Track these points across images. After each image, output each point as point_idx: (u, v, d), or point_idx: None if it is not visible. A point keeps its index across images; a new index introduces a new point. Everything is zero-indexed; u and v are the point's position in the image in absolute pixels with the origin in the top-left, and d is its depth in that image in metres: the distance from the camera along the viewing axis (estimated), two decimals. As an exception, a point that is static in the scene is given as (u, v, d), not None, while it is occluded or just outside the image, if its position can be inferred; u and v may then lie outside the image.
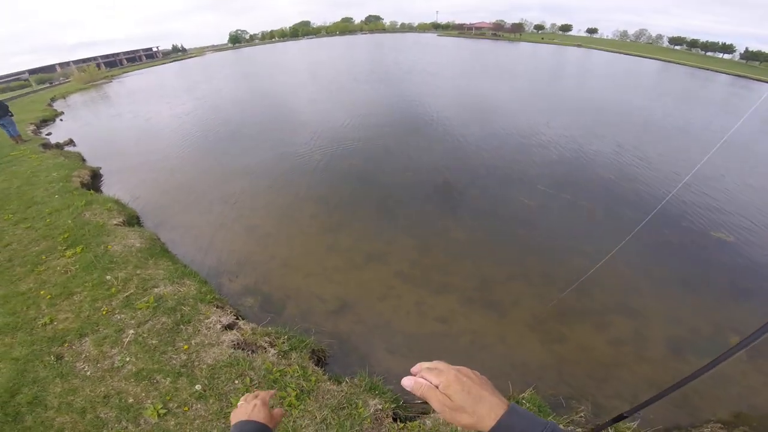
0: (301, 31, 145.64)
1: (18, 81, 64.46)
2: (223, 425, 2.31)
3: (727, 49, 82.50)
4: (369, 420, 2.31)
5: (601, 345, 3.34)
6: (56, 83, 53.36)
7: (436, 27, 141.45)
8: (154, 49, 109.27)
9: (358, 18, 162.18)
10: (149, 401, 2.48)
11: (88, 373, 2.74)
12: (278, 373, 2.60)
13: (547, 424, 0.48)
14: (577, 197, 5.81)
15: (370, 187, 6.34)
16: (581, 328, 3.50)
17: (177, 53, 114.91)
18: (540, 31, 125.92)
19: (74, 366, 2.81)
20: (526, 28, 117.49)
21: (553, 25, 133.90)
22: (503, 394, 0.52)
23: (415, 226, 5.10)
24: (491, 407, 0.49)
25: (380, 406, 2.41)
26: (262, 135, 10.03)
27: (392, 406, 2.46)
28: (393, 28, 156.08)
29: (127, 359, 2.80)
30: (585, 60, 36.15)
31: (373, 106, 12.12)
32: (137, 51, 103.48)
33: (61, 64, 79.15)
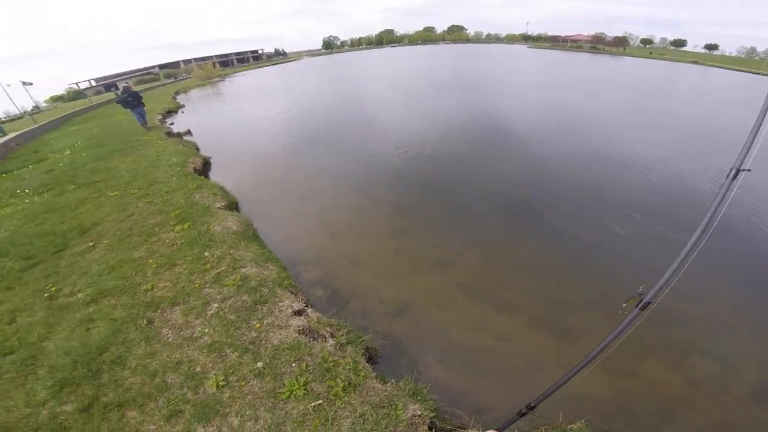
0: (386, 39, 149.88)
1: (150, 74, 76.59)
2: (270, 404, 2.45)
3: None
4: (405, 423, 2.35)
5: (674, 383, 3.07)
6: (180, 78, 62.27)
7: (525, 38, 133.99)
8: (260, 52, 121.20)
9: (440, 27, 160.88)
10: (213, 372, 2.69)
11: (170, 339, 3.04)
12: (332, 363, 2.74)
13: None
14: (677, 232, 5.18)
15: (444, 195, 6.41)
16: (655, 365, 3.23)
17: (278, 56, 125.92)
18: (648, 46, 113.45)
19: (160, 331, 3.14)
20: (631, 42, 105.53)
21: (663, 39, 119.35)
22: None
23: (486, 240, 5.05)
24: None
25: (419, 413, 2.44)
26: (345, 138, 10.69)
27: (431, 414, 2.48)
28: (478, 39, 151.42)
29: (206, 331, 3.10)
30: (703, 78, 31.68)
31: (453, 115, 12.14)
32: (245, 53, 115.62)
33: (184, 61, 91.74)
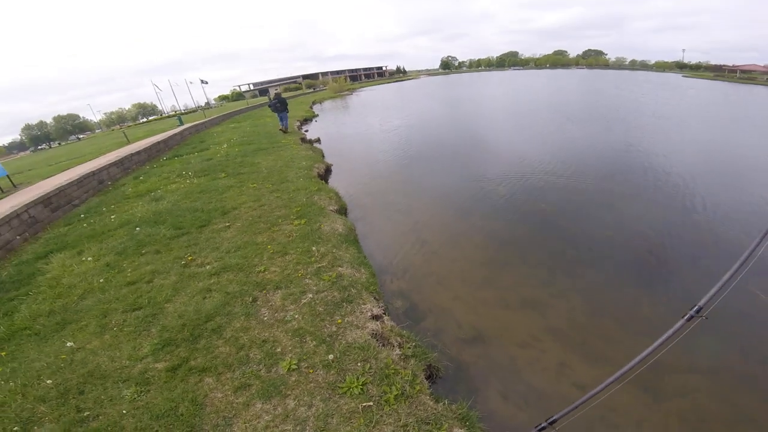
0: (508, 61, 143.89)
1: (295, 83, 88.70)
2: (327, 395, 2.56)
3: None
4: (444, 445, 2.30)
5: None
6: (318, 89, 70.62)
7: (681, 67, 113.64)
8: (384, 68, 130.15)
9: (574, 52, 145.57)
10: (290, 355, 2.89)
11: (265, 318, 3.33)
12: (393, 371, 2.78)
13: None
14: None
15: (551, 234, 5.93)
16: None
17: (399, 74, 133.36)
18: None
19: (259, 310, 3.45)
20: None
21: None
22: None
23: (592, 289, 4.51)
24: None
25: (462, 437, 2.37)
26: (454, 159, 10.80)
27: (475, 443, 2.37)
28: (619, 64, 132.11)
29: (296, 317, 3.33)
30: None
31: (579, 149, 11.15)
32: (371, 69, 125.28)
33: (322, 74, 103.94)
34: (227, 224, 5.53)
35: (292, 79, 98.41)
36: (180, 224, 5.71)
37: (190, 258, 4.55)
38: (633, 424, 2.88)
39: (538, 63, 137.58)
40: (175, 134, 16.57)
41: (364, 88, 66.52)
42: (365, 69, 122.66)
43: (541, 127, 15.01)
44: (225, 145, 13.03)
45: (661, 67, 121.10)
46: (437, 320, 4.07)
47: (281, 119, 15.16)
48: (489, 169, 9.24)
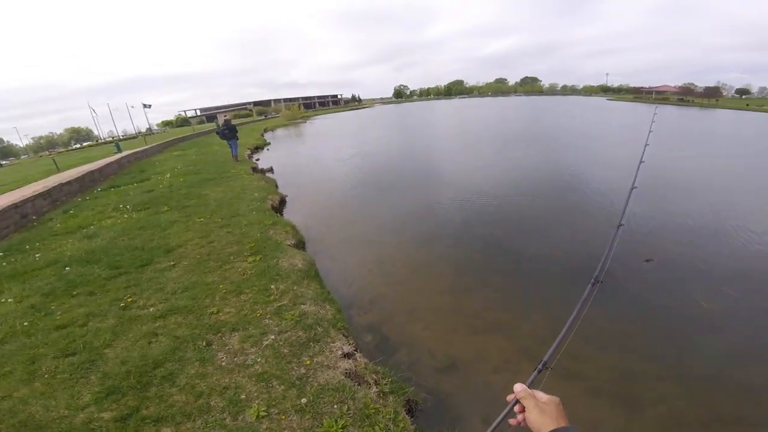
0: (455, 89, 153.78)
1: (245, 110, 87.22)
2: None
3: None
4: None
5: None
6: (269, 116, 69.86)
7: (605, 90, 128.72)
8: (339, 97, 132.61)
9: (513, 79, 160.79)
10: (257, 402, 2.72)
11: (223, 364, 3.13)
12: (373, 410, 2.68)
13: None
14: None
15: (509, 257, 6.11)
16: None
17: (354, 102, 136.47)
18: (744, 96, 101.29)
19: (216, 354, 3.24)
20: (725, 93, 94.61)
21: (763, 89, 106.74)
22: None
23: (554, 308, 4.63)
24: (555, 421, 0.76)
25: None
26: (408, 186, 10.89)
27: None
28: (552, 90, 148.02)
29: (258, 360, 3.14)
30: None
31: (525, 173, 11.80)
32: (326, 96, 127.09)
33: (274, 101, 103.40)
34: (172, 263, 5.14)
35: (243, 106, 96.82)
36: (117, 263, 5.24)
37: (129, 300, 4.22)
38: None
39: (482, 91, 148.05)
40: (112, 162, 15.24)
41: (319, 116, 66.91)
42: (320, 97, 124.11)
43: (486, 152, 15.89)
44: (168, 175, 12.19)
45: (589, 91, 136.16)
46: (410, 352, 3.96)
47: (231, 147, 14.65)
48: (444, 198, 9.41)
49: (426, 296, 5.06)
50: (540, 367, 1.30)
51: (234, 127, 14.59)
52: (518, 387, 0.87)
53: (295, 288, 4.35)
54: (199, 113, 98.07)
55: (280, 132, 34.75)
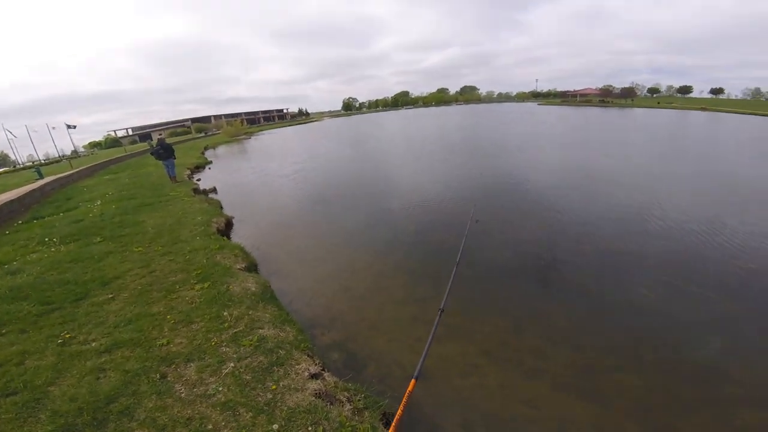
0: (401, 101, 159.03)
1: (183, 127, 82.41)
2: None
3: None
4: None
5: None
6: (210, 133, 66.67)
7: (535, 95, 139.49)
8: (285, 111, 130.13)
9: (453, 88, 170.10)
10: (225, 430, 2.65)
11: (182, 395, 3.00)
12: (350, 428, 2.67)
13: None
14: (703, 289, 5.11)
15: (460, 261, 6.31)
16: (698, 419, 3.18)
17: (301, 116, 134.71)
18: (655, 95, 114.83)
19: (173, 386, 3.13)
20: (639, 92, 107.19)
21: (670, 87, 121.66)
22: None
23: (508, 306, 4.97)
24: None
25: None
26: (359, 199, 10.90)
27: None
28: (489, 98, 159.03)
29: (220, 389, 3.05)
30: (713, 124, 32.30)
31: (467, 179, 12.39)
32: (271, 111, 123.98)
33: (215, 117, 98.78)
34: (110, 296, 4.82)
35: (180, 123, 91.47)
36: (48, 299, 4.83)
37: (67, 335, 3.96)
38: None
39: (426, 101, 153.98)
40: (34, 190, 13.69)
41: (264, 132, 65.20)
42: (264, 112, 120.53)
43: (433, 160, 16.44)
44: (99, 202, 11.21)
45: (521, 97, 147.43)
46: (379, 366, 3.99)
47: (167, 168, 13.81)
48: (397, 209, 9.53)
49: (387, 308, 5.11)
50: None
51: (169, 146, 13.80)
52: None
53: (250, 313, 4.24)
54: (131, 133, 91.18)
55: (222, 149, 33.36)
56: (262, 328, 3.93)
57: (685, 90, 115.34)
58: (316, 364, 3.52)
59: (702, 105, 61.56)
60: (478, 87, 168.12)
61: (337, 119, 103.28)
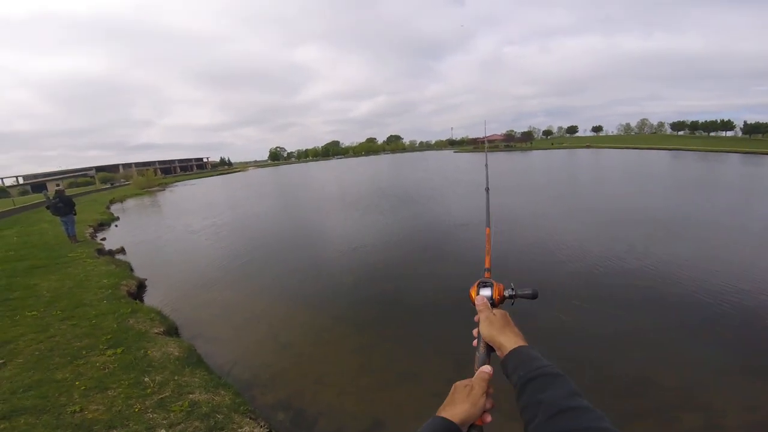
0: (332, 150, 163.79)
1: (85, 177, 73.63)
2: None
3: (727, 126, 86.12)
4: None
5: None
6: (117, 184, 60.69)
7: (452, 143, 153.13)
8: (205, 160, 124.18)
9: (381, 137, 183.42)
10: None
11: None
12: None
13: (546, 366, 0.73)
14: (617, 310, 5.76)
15: (398, 308, 6.47)
16: (644, 429, 3.45)
17: (224, 166, 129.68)
18: (549, 137, 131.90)
19: None
20: (535, 135, 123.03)
21: (560, 128, 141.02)
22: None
23: (447, 346, 5.04)
24: (513, 340, 0.82)
25: None
26: (291, 253, 10.55)
27: None
28: (413, 147, 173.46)
29: None
30: (596, 161, 38.09)
31: (398, 228, 12.68)
32: (189, 160, 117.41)
33: (123, 165, 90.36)
34: (1, 361, 4.42)
35: (82, 171, 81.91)
36: None
37: None
38: None
39: (356, 151, 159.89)
40: None
41: (180, 183, 61.31)
42: (182, 160, 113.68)
43: (366, 214, 16.03)
44: (-24, 265, 9.91)
45: (440, 145, 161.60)
46: (332, 420, 3.84)
47: (66, 225, 12.19)
48: (329, 261, 9.45)
49: (331, 360, 4.99)
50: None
51: (69, 200, 12.11)
52: (479, 299, 0.95)
53: (176, 378, 4.00)
54: (22, 182, 78.94)
55: (131, 203, 30.39)
56: (192, 393, 3.69)
57: (572, 130, 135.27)
58: (261, 426, 3.36)
59: (587, 143, 73.88)
60: (402, 136, 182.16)
61: (264, 170, 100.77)
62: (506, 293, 0.98)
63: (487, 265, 1.17)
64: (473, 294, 0.99)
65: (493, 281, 1.00)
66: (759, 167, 28.47)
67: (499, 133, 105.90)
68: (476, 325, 0.92)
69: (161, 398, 3.61)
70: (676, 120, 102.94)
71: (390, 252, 9.84)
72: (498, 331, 0.85)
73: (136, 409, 3.46)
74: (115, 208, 25.58)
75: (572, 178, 25.99)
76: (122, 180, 66.31)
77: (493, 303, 0.96)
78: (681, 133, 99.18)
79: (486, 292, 0.97)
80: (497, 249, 9.32)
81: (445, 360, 4.80)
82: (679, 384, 4.04)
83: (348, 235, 12.57)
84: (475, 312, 0.95)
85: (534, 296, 0.96)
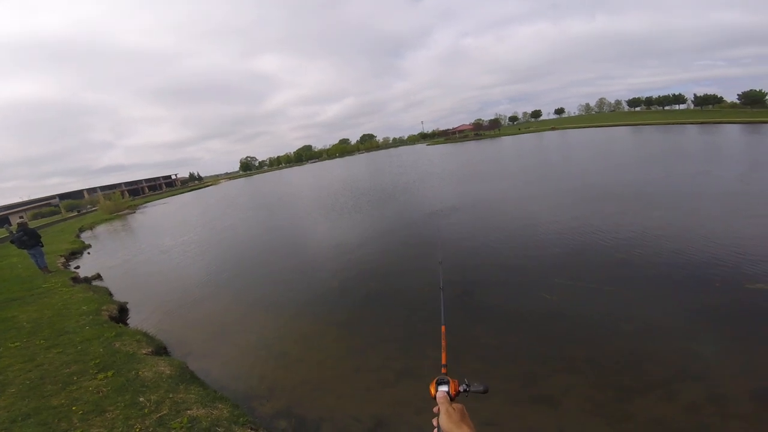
0: (305, 155, 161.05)
1: (49, 207, 69.86)
2: None
3: (680, 99, 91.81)
4: None
5: (676, 413, 3.31)
6: (84, 211, 57.90)
7: (423, 137, 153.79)
8: (173, 177, 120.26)
9: (354, 137, 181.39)
10: None
11: None
12: None
13: None
14: (600, 284, 5.88)
15: (388, 306, 6.50)
16: (646, 402, 3.47)
17: (194, 181, 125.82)
18: (515, 123, 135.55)
19: None
20: (502, 122, 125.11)
21: (525, 113, 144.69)
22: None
23: (437, 333, 5.27)
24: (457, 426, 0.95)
25: None
26: (275, 264, 10.41)
27: None
28: (386, 144, 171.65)
29: None
30: (563, 141, 39.26)
31: (379, 226, 12.73)
32: (157, 179, 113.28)
33: (88, 190, 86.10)
34: None
35: (45, 201, 77.76)
36: None
37: None
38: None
39: (330, 153, 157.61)
40: None
41: (151, 203, 59.28)
42: (149, 180, 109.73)
43: (345, 216, 16.03)
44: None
45: (412, 140, 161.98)
46: (335, 424, 3.86)
47: (34, 257, 11.82)
48: (315, 267, 9.41)
49: (327, 365, 5.02)
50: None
51: (33, 232, 11.73)
52: (439, 394, 1.08)
53: (171, 396, 4.04)
54: None
55: (101, 229, 29.15)
56: (190, 409, 3.72)
57: (537, 114, 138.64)
58: (264, 436, 3.28)
59: (551, 125, 76.16)
60: (375, 134, 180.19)
61: (236, 181, 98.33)
62: (461, 388, 1.15)
63: (443, 362, 1.36)
64: (432, 390, 1.14)
65: (449, 378, 1.17)
66: (714, 135, 30.46)
67: (468, 123, 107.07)
68: (435, 415, 1.07)
69: (160, 416, 3.65)
70: (631, 98, 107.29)
71: (374, 249, 9.94)
72: (456, 425, 0.97)
73: (137, 429, 3.49)
74: (85, 236, 24.66)
75: (544, 161, 26.69)
76: (88, 206, 63.40)
77: (451, 398, 1.11)
78: (638, 108, 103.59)
79: (444, 388, 1.14)
80: (480, 234, 9.72)
81: (437, 351, 5.05)
82: (672, 355, 4.12)
83: (330, 237, 12.56)
84: (433, 403, 1.12)
85: (485, 391, 1.15)
